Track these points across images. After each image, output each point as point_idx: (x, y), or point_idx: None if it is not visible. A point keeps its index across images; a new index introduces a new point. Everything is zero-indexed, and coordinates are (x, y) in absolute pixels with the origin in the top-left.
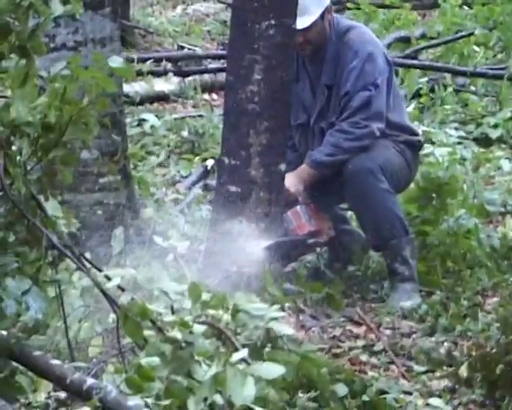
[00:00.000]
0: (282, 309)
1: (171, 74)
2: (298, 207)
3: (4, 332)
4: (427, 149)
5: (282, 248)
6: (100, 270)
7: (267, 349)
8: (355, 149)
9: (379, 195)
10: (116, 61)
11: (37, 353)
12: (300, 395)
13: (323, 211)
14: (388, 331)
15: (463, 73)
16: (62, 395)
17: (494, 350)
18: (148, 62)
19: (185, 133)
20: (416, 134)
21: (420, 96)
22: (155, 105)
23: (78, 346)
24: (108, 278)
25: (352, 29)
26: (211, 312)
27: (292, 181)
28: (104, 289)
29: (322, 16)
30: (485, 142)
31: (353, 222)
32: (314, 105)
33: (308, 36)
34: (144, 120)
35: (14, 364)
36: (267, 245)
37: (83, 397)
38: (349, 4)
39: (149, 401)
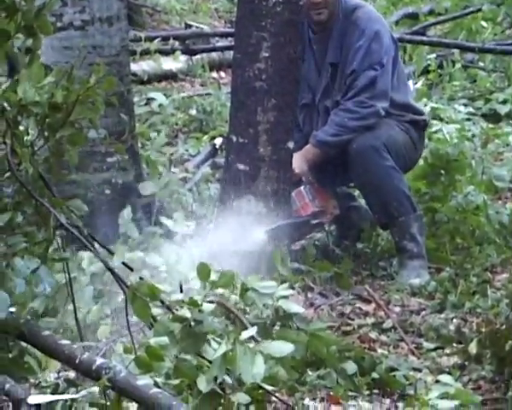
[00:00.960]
0: (291, 288)
1: (178, 53)
2: (301, 188)
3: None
4: (436, 125)
5: (286, 231)
6: (107, 249)
7: (276, 328)
8: (360, 128)
9: (384, 172)
10: None
11: (46, 333)
12: (310, 373)
13: (329, 190)
14: (397, 309)
15: (472, 49)
16: (72, 374)
17: (503, 326)
18: (156, 41)
19: (193, 112)
20: (421, 113)
21: (428, 72)
22: (163, 84)
23: (88, 328)
24: (115, 257)
25: (359, 8)
26: (220, 291)
27: (296, 161)
28: (112, 269)
29: None
30: (493, 118)
31: (361, 199)
32: (319, 84)
33: None
34: (152, 98)
35: (24, 344)
36: (270, 228)
37: (92, 377)
38: None
39: (159, 380)
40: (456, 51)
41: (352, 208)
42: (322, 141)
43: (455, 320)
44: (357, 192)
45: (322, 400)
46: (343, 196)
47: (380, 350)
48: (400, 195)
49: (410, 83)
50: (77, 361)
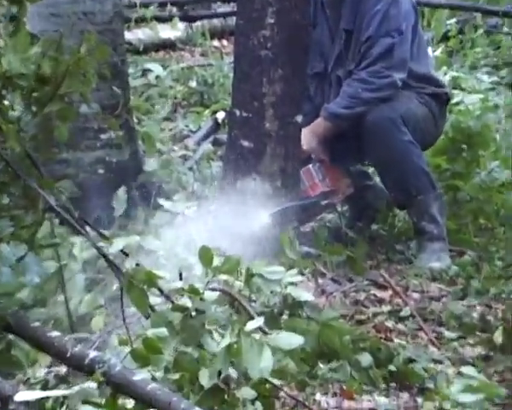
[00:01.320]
0: (301, 273)
1: (176, 20)
2: (310, 166)
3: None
4: (457, 96)
5: (293, 213)
6: (101, 234)
7: (285, 317)
8: (375, 100)
9: (402, 147)
10: None
11: (35, 324)
12: (321, 365)
13: (341, 168)
14: (416, 295)
15: (495, 13)
16: (63, 369)
17: None
18: (152, 7)
19: (193, 84)
20: (443, 86)
21: (448, 38)
22: (161, 53)
23: (80, 319)
24: (111, 243)
25: None
26: (223, 277)
27: (305, 137)
28: (106, 255)
29: None
30: None
31: (376, 177)
32: (332, 51)
33: None
34: (149, 69)
35: (11, 336)
36: (275, 211)
37: (85, 371)
38: None
39: (157, 374)
40: (478, 15)
41: (367, 187)
42: (334, 114)
43: (478, 307)
44: (371, 170)
45: (334, 394)
46: (357, 174)
47: (397, 340)
48: (419, 172)
49: (429, 50)
50: (68, 355)
